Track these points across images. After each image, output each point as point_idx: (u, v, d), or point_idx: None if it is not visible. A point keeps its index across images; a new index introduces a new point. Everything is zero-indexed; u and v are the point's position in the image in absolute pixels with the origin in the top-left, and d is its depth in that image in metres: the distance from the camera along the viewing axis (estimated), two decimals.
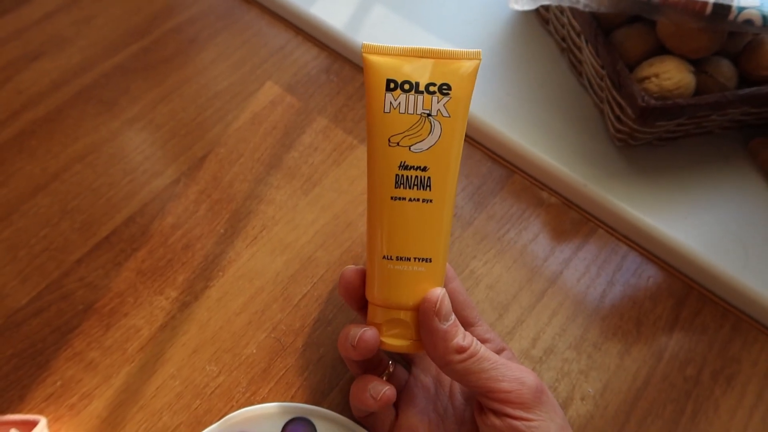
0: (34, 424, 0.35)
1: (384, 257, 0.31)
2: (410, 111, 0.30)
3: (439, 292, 0.30)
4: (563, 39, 0.50)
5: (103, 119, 0.48)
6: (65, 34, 0.53)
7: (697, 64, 0.41)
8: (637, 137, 0.43)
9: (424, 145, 0.30)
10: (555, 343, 0.40)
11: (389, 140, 0.30)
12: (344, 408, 0.36)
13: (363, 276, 0.33)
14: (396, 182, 0.30)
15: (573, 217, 0.45)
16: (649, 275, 0.43)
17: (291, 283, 0.41)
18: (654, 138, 0.44)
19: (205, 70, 0.51)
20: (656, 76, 0.40)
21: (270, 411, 0.35)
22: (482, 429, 0.30)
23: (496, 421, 0.29)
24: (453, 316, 0.30)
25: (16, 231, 0.42)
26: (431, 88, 0.30)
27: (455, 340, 0.29)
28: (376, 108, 0.31)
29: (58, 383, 0.37)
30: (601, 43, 0.42)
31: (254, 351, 0.39)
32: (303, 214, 0.44)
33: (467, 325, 0.34)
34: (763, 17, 0.37)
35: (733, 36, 0.42)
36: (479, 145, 0.48)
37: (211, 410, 0.37)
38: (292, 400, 0.37)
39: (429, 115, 0.30)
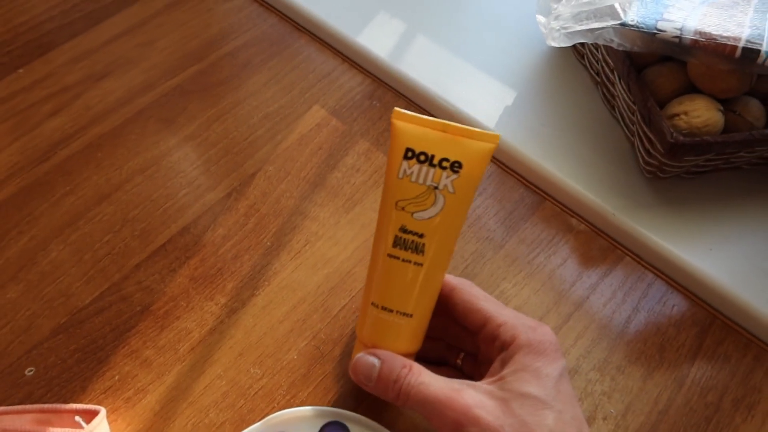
0: (95, 413, 0.38)
1: (372, 303, 0.35)
2: (420, 181, 0.33)
3: (354, 362, 0.35)
4: (597, 73, 0.52)
5: (162, 135, 0.52)
6: (130, 55, 0.57)
7: (726, 104, 0.43)
8: (666, 170, 0.45)
9: (425, 215, 0.33)
10: (579, 363, 0.42)
11: (396, 203, 0.34)
12: (377, 415, 0.39)
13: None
14: (394, 242, 0.34)
15: (601, 245, 0.47)
16: (673, 303, 0.45)
17: (331, 295, 0.44)
18: (683, 171, 0.46)
19: (257, 92, 0.55)
20: (686, 113, 0.42)
21: (308, 414, 0.38)
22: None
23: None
24: (375, 371, 0.34)
25: (82, 236, 0.46)
26: (444, 164, 0.33)
27: (387, 392, 0.33)
28: (393, 171, 0.34)
29: (116, 377, 0.40)
30: (633, 80, 0.44)
31: (295, 357, 0.41)
32: (344, 231, 0.47)
33: (477, 329, 0.35)
34: None
35: (763, 77, 0.43)
36: (513, 171, 0.51)
37: (254, 410, 0.39)
38: (329, 404, 0.40)
39: (436, 188, 0.33)
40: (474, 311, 0.35)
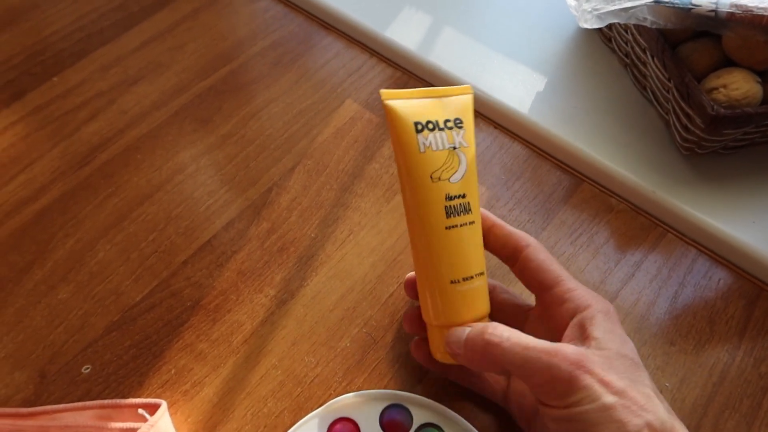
0: (157, 406, 0.38)
1: (452, 282, 0.34)
2: (440, 147, 0.34)
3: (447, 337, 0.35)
4: (626, 55, 0.52)
5: (199, 135, 0.52)
6: (161, 60, 0.58)
7: (764, 75, 0.43)
8: (704, 146, 0.46)
9: (458, 175, 0.34)
10: (631, 339, 0.42)
11: (431, 176, 0.34)
12: (435, 395, 0.39)
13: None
14: (447, 213, 0.34)
15: (642, 223, 0.48)
16: (719, 277, 0.45)
17: (378, 283, 0.44)
18: (720, 146, 0.47)
19: (290, 90, 0.55)
20: (724, 86, 0.42)
21: (369, 397, 0.38)
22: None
23: (541, 410, 0.31)
24: (464, 336, 0.33)
25: (128, 236, 0.47)
26: (449, 124, 0.34)
27: (479, 358, 0.33)
28: (412, 149, 0.34)
29: (172, 371, 0.41)
30: (668, 57, 0.44)
31: (348, 344, 0.42)
32: (386, 220, 0.47)
33: (545, 288, 0.35)
34: None
35: None
36: (548, 155, 0.51)
37: (311, 397, 0.40)
38: (386, 388, 0.40)
39: (454, 148, 0.34)
40: (547, 270, 0.35)
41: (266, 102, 0.54)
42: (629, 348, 0.32)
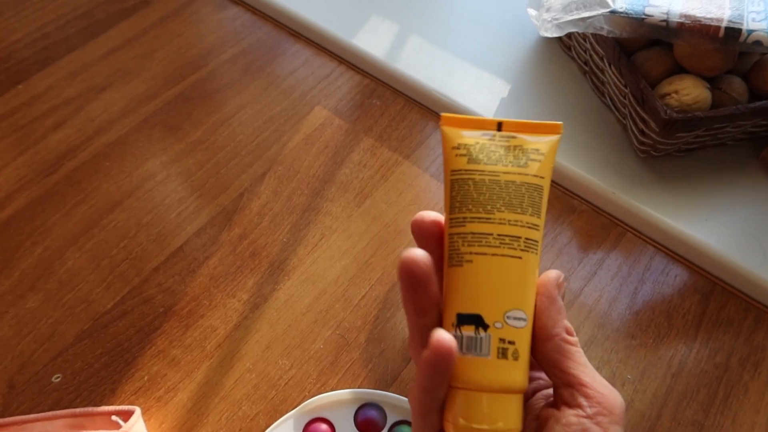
0: (131, 413, 0.38)
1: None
2: None
3: (559, 272, 0.28)
4: (585, 63, 0.55)
5: (169, 142, 0.52)
6: (129, 67, 0.58)
7: (712, 82, 0.46)
8: (659, 148, 0.48)
9: None
10: (595, 334, 0.44)
11: None
12: (407, 395, 0.40)
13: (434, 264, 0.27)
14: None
15: (603, 222, 0.50)
16: (675, 274, 0.47)
17: (350, 285, 0.45)
18: (674, 149, 0.49)
19: (259, 96, 0.56)
20: (676, 92, 0.45)
21: (343, 397, 0.39)
22: (552, 426, 0.27)
23: (573, 419, 0.26)
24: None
25: (98, 243, 0.46)
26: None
27: (566, 321, 0.28)
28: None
29: (146, 378, 0.41)
30: (624, 65, 0.47)
31: (321, 346, 0.42)
32: (357, 223, 0.48)
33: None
34: None
35: (744, 55, 0.46)
36: None
37: (286, 400, 0.40)
38: (359, 388, 0.41)
39: None
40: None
41: (236, 109, 0.55)
42: None
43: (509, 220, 0.26)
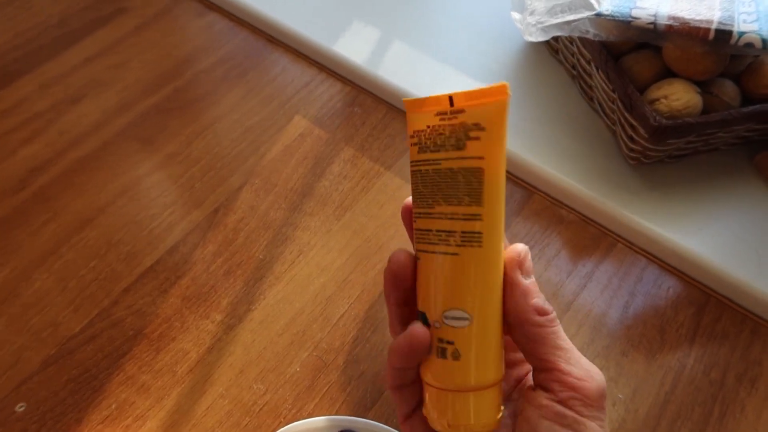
0: None
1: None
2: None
3: (522, 246, 0.27)
4: (573, 67, 0.53)
5: (143, 155, 0.51)
6: (103, 78, 0.56)
7: (703, 86, 0.44)
8: (650, 155, 0.46)
9: None
10: (584, 352, 0.41)
11: None
12: (387, 419, 0.38)
13: (413, 261, 0.28)
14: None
15: (592, 233, 0.48)
16: (668, 286, 0.45)
17: (329, 303, 0.43)
18: (665, 156, 0.47)
19: (236, 106, 0.54)
20: (665, 97, 0.43)
21: (318, 425, 0.37)
22: (525, 408, 0.27)
23: (545, 402, 0.26)
24: (533, 277, 0.27)
25: (66, 263, 0.45)
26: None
27: (535, 300, 0.27)
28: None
29: (113, 406, 0.39)
30: (611, 69, 0.45)
31: (298, 369, 0.40)
32: (336, 238, 0.46)
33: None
34: (763, 40, 0.40)
35: (735, 58, 0.44)
36: None
37: (260, 426, 0.38)
38: (336, 414, 0.39)
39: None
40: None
41: (213, 119, 0.53)
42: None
43: (446, 214, 0.25)
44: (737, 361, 0.42)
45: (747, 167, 0.49)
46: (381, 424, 0.37)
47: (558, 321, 0.27)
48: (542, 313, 0.26)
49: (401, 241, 0.46)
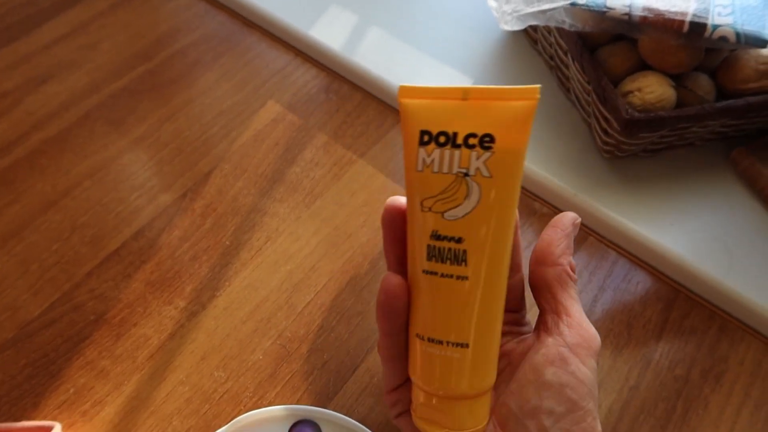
0: (49, 429, 0.36)
1: (416, 335, 0.26)
2: (444, 170, 0.25)
3: (577, 216, 0.29)
4: (551, 57, 0.52)
5: (111, 138, 0.50)
6: (72, 58, 0.55)
7: (677, 79, 0.44)
8: (624, 149, 0.46)
9: (459, 212, 0.25)
10: None
11: (421, 204, 0.25)
12: (349, 410, 0.38)
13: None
14: (428, 254, 0.25)
15: None
16: (638, 280, 0.45)
17: (295, 291, 0.43)
18: (639, 150, 0.47)
19: (209, 90, 0.53)
20: (639, 90, 0.42)
21: (277, 414, 0.36)
22: (529, 355, 0.27)
23: (552, 347, 0.26)
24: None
25: (28, 246, 0.44)
26: (470, 141, 0.24)
27: (569, 254, 0.28)
28: (411, 165, 0.26)
29: (71, 391, 0.38)
30: (586, 60, 0.44)
31: (260, 357, 0.40)
32: (305, 226, 0.46)
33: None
34: (737, 34, 0.40)
35: (710, 52, 0.44)
36: None
37: (219, 414, 0.38)
38: (298, 403, 0.38)
39: (466, 174, 0.25)
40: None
41: (184, 103, 0.52)
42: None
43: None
44: (703, 357, 0.42)
45: (723, 163, 0.49)
46: (341, 415, 0.36)
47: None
48: (573, 269, 0.28)
49: (371, 230, 0.45)
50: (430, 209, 0.25)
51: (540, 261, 0.28)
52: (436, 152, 0.25)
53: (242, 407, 0.38)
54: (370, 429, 0.36)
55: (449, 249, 0.25)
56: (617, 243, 0.47)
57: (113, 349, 0.40)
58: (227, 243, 0.45)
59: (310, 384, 0.39)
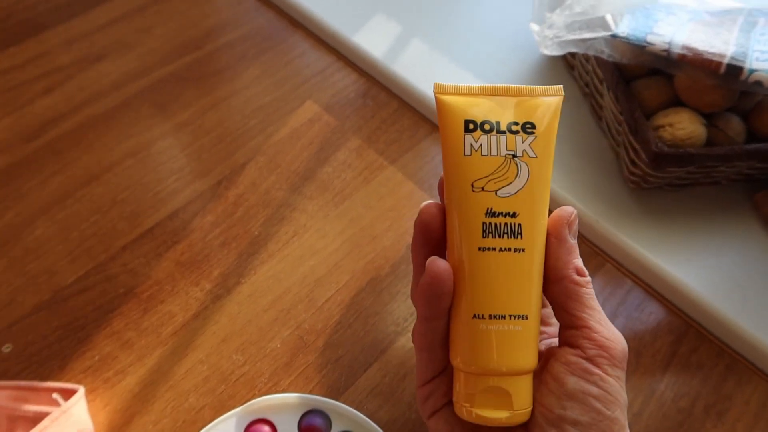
0: (73, 392, 0.38)
1: (474, 316, 0.27)
2: (493, 153, 0.27)
3: (572, 208, 0.29)
4: (586, 84, 0.53)
5: (155, 121, 0.52)
6: (126, 40, 0.57)
7: (709, 118, 0.45)
8: (649, 181, 0.46)
9: (511, 189, 0.27)
10: None
11: (472, 185, 0.27)
12: (358, 406, 0.39)
13: (443, 212, 0.29)
14: (483, 231, 0.27)
15: (583, 251, 0.48)
16: (651, 311, 0.46)
17: (316, 286, 0.44)
18: (664, 183, 0.48)
19: (252, 84, 0.55)
20: (670, 125, 0.43)
21: (290, 401, 0.38)
22: (552, 365, 0.27)
23: (573, 359, 0.26)
24: (576, 240, 0.29)
25: (70, 214, 0.46)
26: (514, 128, 0.28)
27: (578, 260, 0.28)
28: (455, 151, 0.28)
29: (96, 358, 0.40)
30: (621, 91, 0.45)
31: (278, 345, 0.42)
32: (332, 224, 0.47)
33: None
34: None
35: (745, 95, 0.45)
36: None
37: (234, 396, 0.39)
38: (310, 393, 0.40)
39: (514, 156, 0.27)
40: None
41: (227, 94, 0.54)
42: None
43: None
44: (708, 392, 0.43)
45: (746, 204, 0.50)
46: (352, 409, 0.38)
47: (592, 285, 0.28)
48: (581, 273, 0.27)
49: (395, 235, 0.47)
50: (482, 189, 0.27)
51: (546, 278, 0.28)
52: (483, 138, 0.27)
53: (256, 391, 0.40)
54: (376, 425, 0.37)
55: (505, 224, 0.27)
56: (634, 272, 0.47)
57: (139, 323, 0.42)
58: (256, 233, 0.46)
59: (323, 377, 0.41)
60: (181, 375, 0.40)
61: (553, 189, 0.49)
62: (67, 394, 0.38)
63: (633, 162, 0.46)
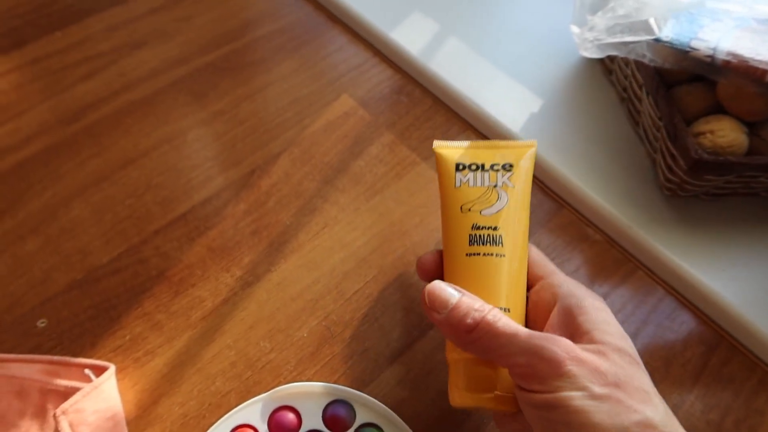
0: (104, 369, 0.38)
1: None
2: (478, 184, 0.35)
3: (429, 286, 0.32)
4: (624, 89, 0.53)
5: (192, 108, 0.52)
6: (167, 29, 0.58)
7: (752, 127, 0.44)
8: (686, 189, 0.46)
9: (493, 210, 0.34)
10: None
11: (461, 207, 0.35)
12: (382, 399, 0.39)
13: (438, 259, 0.37)
14: (470, 240, 0.34)
15: (615, 256, 0.48)
16: (682, 320, 0.45)
17: (345, 278, 0.44)
18: (701, 191, 0.47)
19: (288, 77, 0.55)
20: (711, 132, 0.43)
21: (316, 390, 0.38)
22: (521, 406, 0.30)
23: (520, 395, 0.29)
24: (453, 299, 0.31)
25: (105, 197, 0.47)
26: (495, 167, 0.35)
27: (461, 323, 0.30)
28: (448, 184, 0.36)
29: (127, 337, 0.41)
30: (661, 96, 0.45)
31: (305, 335, 0.42)
32: (363, 217, 0.47)
33: (535, 280, 0.36)
34: None
35: None
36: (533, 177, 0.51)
37: (260, 382, 0.40)
38: (336, 383, 0.40)
39: (495, 186, 0.35)
40: (539, 265, 0.36)
41: (263, 85, 0.55)
42: (628, 344, 0.31)
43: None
44: (739, 406, 0.42)
45: None
46: (376, 401, 0.38)
47: (497, 320, 0.30)
48: (469, 330, 0.31)
49: (425, 231, 0.47)
50: (470, 210, 0.35)
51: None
52: (470, 174, 0.35)
53: (281, 379, 0.40)
54: (399, 417, 0.37)
55: (488, 235, 0.34)
56: (666, 280, 0.47)
57: (170, 305, 0.42)
58: (287, 223, 0.47)
59: (349, 368, 0.41)
60: (209, 359, 0.40)
61: (587, 193, 0.49)
62: (99, 370, 0.38)
63: (670, 169, 0.46)
